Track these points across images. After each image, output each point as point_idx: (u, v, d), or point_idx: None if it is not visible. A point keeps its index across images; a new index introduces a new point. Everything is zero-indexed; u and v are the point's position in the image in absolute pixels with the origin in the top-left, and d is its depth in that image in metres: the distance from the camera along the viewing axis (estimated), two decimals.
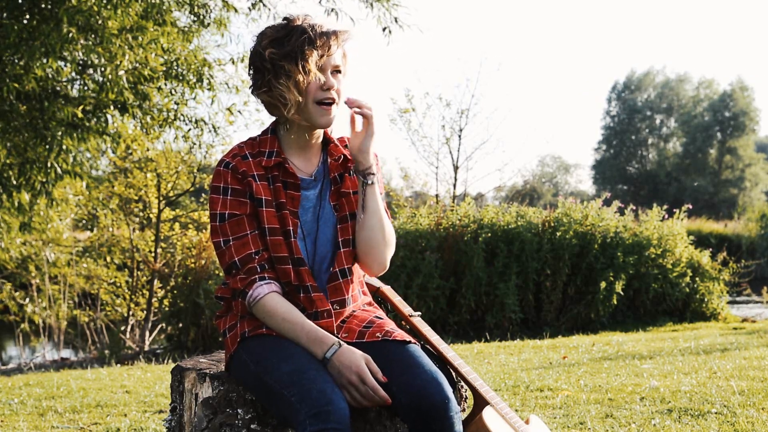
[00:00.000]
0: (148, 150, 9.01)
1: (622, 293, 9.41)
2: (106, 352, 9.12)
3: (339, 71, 2.13)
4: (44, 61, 5.99)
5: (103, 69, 6.27)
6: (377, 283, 2.38)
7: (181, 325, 9.37)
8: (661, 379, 4.40)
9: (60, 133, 6.70)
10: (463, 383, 2.24)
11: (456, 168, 14.47)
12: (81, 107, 6.59)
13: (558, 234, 9.38)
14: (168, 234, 10.98)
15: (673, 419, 3.41)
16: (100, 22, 6.04)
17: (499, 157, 41.77)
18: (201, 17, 7.14)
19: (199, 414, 2.08)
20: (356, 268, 2.20)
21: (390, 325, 2.16)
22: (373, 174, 2.14)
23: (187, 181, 10.99)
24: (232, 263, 2.07)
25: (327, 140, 2.23)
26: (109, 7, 5.92)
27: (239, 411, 2.04)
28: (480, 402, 2.12)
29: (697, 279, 10.00)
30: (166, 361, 7.61)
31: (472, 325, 9.29)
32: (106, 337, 9.84)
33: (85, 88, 6.91)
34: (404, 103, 14.61)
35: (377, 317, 2.19)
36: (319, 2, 7.15)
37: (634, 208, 10.45)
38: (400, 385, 1.94)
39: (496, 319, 9.16)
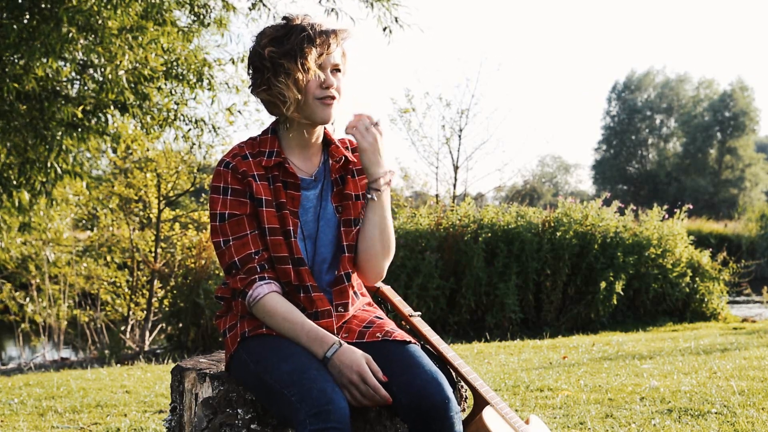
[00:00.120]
0: (148, 150, 9.01)
1: (622, 293, 9.41)
2: (106, 352, 9.12)
3: (338, 70, 2.13)
4: (44, 61, 5.99)
5: (103, 69, 6.27)
6: (377, 282, 2.38)
7: (181, 325, 9.38)
8: (661, 379, 4.40)
9: (60, 133, 6.70)
10: (463, 383, 2.24)
11: (456, 168, 14.47)
12: (81, 107, 6.59)
13: (558, 234, 9.38)
14: (168, 234, 10.98)
15: (673, 419, 3.41)
16: (100, 22, 6.04)
17: (499, 157, 41.77)
18: (201, 17, 7.14)
19: (199, 414, 2.07)
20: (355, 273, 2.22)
21: (390, 325, 2.16)
22: (377, 190, 2.14)
23: (187, 181, 10.99)
24: (232, 263, 2.07)
25: (328, 141, 2.23)
26: (109, 7, 5.92)
27: (239, 411, 2.04)
28: (480, 402, 2.12)
29: (697, 279, 10.00)
30: (166, 361, 7.61)
31: (472, 325, 9.29)
32: (106, 337, 9.84)
33: (85, 88, 6.91)
34: (404, 103, 14.62)
35: (377, 317, 2.19)
36: (319, 2, 7.15)
37: (634, 208, 10.45)
38: (400, 385, 1.94)
39: (496, 319, 9.15)
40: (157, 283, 10.39)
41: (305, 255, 2.12)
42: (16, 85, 6.11)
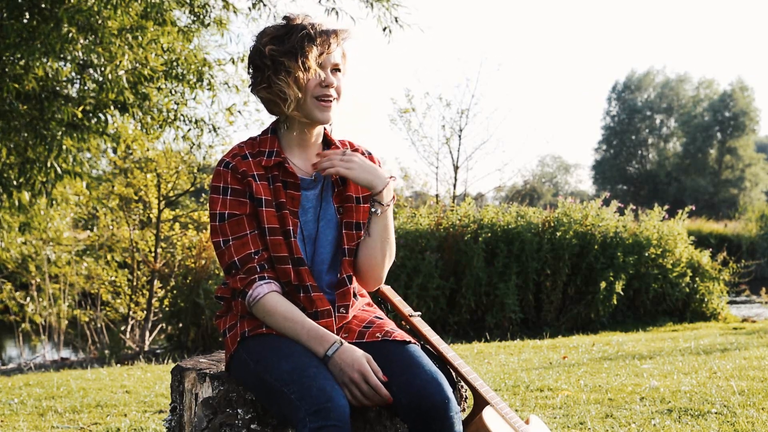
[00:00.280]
0: (148, 150, 9.00)
1: (622, 293, 9.41)
2: (106, 352, 9.12)
3: (338, 70, 2.14)
4: (44, 60, 5.99)
5: (103, 69, 6.27)
6: (376, 288, 2.38)
7: (181, 325, 9.37)
8: (661, 379, 4.40)
9: (60, 133, 6.70)
10: (463, 383, 2.24)
11: (456, 168, 14.46)
12: (81, 107, 6.59)
13: (558, 234, 9.38)
14: (168, 234, 10.98)
15: (673, 419, 3.41)
16: (100, 21, 6.04)
17: (499, 157, 41.75)
18: (201, 17, 7.14)
19: (199, 414, 2.07)
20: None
21: (390, 325, 2.16)
22: (381, 204, 2.13)
23: (187, 182, 10.99)
24: (231, 263, 2.07)
25: (328, 141, 2.23)
26: (109, 7, 5.91)
27: (239, 411, 2.04)
28: (480, 402, 2.12)
29: (697, 279, 10.00)
30: (166, 361, 7.61)
31: (472, 325, 9.29)
32: (106, 337, 9.84)
33: (85, 88, 6.91)
34: (404, 103, 14.61)
35: (377, 317, 2.19)
36: (319, 1, 7.15)
37: (634, 208, 10.45)
38: (400, 385, 1.94)
39: (496, 319, 9.15)
40: (157, 283, 10.39)
41: (305, 255, 2.12)
42: (16, 85, 6.11)
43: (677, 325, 9.32)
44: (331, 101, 2.11)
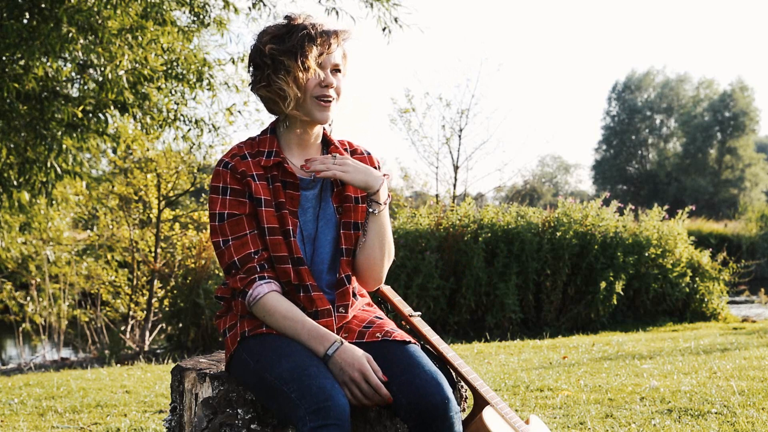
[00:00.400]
0: (148, 150, 9.01)
1: (622, 293, 9.41)
2: (106, 352, 9.12)
3: (338, 70, 2.14)
4: (44, 60, 5.99)
5: (103, 69, 6.27)
6: (376, 287, 2.38)
7: (181, 325, 9.37)
8: (661, 379, 4.40)
9: (60, 133, 6.70)
10: (463, 383, 2.24)
11: (456, 168, 14.46)
12: (81, 107, 6.59)
13: (558, 234, 9.38)
14: (168, 234, 10.98)
15: (673, 419, 3.41)
16: (99, 21, 6.04)
17: (499, 157, 41.78)
18: (201, 17, 7.14)
19: (199, 414, 2.07)
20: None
21: (390, 325, 2.16)
22: (378, 203, 2.14)
23: (187, 182, 10.99)
24: (231, 263, 2.07)
25: (327, 141, 2.23)
26: (108, 7, 5.92)
27: (239, 411, 2.04)
28: (480, 402, 2.12)
29: (697, 279, 10.00)
30: (166, 361, 7.61)
31: (472, 325, 9.29)
32: (106, 337, 9.84)
33: (85, 88, 6.91)
34: (404, 103, 14.61)
35: (377, 317, 2.19)
36: (319, 1, 7.15)
37: (634, 208, 10.45)
38: (400, 385, 1.94)
39: (496, 319, 9.15)
40: (157, 283, 10.39)
41: (304, 255, 2.12)
42: (16, 85, 6.11)
43: (677, 325, 9.32)
44: (330, 101, 2.11)
